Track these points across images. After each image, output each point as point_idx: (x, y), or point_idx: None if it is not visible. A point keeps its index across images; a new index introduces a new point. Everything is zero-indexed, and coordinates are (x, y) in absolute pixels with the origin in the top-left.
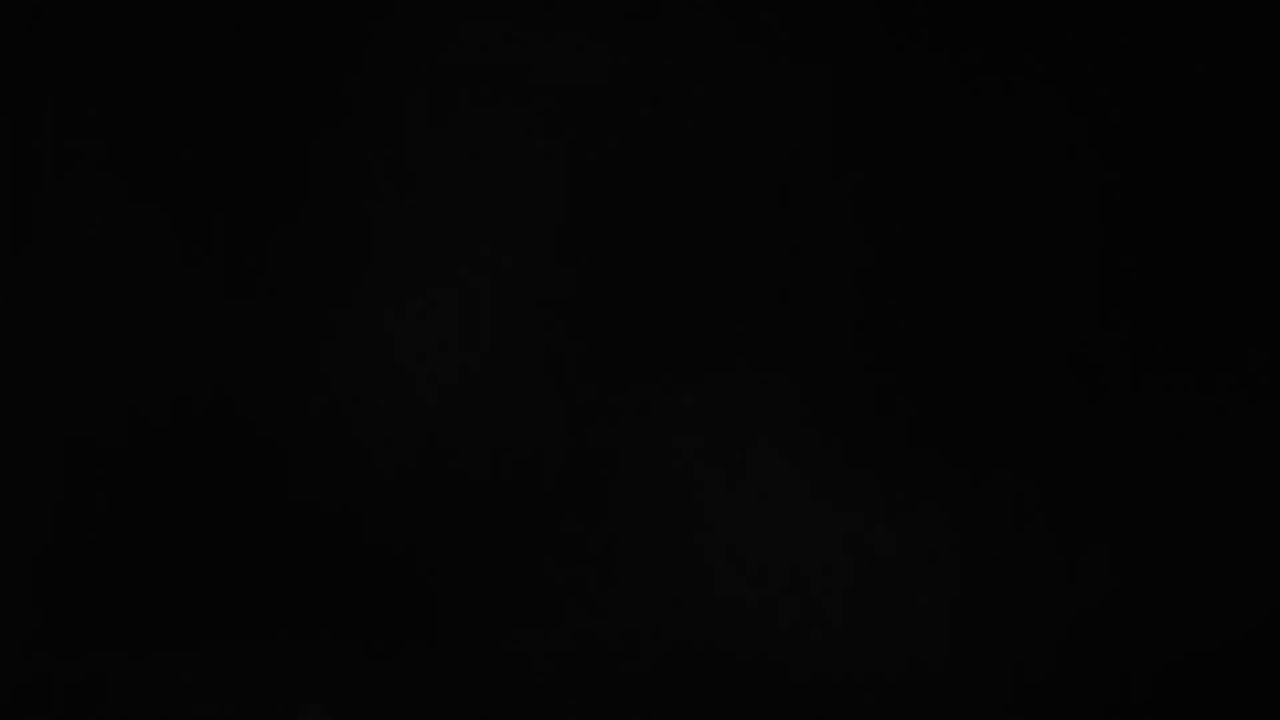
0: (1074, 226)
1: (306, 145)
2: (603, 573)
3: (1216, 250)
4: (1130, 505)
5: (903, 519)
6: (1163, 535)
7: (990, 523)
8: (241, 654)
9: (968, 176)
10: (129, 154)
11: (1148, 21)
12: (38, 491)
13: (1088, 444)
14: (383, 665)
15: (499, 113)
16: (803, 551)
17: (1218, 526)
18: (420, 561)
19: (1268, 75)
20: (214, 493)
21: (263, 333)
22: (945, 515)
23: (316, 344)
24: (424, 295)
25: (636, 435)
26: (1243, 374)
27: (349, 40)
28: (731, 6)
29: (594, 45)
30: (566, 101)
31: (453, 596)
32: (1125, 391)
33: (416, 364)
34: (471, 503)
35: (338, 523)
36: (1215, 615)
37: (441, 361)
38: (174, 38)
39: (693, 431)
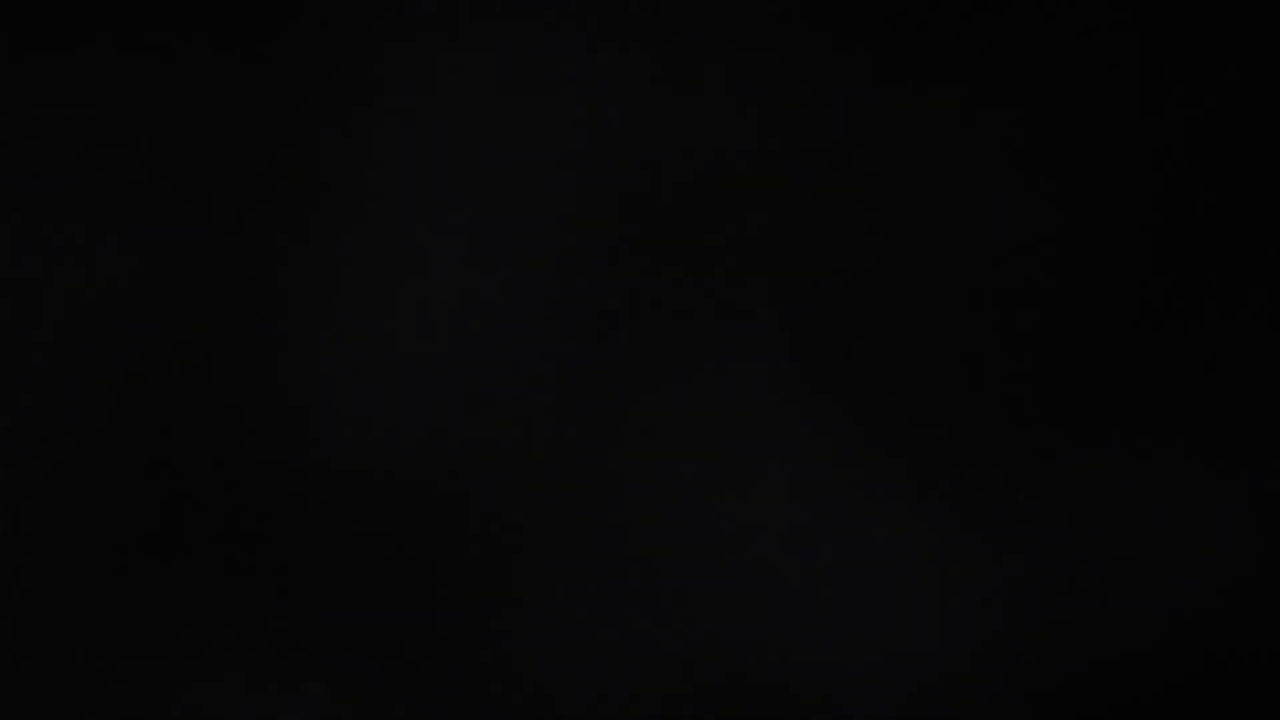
0: (1076, 228)
1: (304, 135)
2: (602, 573)
3: (1218, 245)
4: (1137, 504)
5: (906, 517)
6: (1172, 534)
7: (994, 523)
8: (237, 655)
9: (969, 171)
10: (124, 143)
11: (1144, 26)
12: (32, 490)
13: (1091, 451)
14: (381, 668)
15: (500, 108)
16: (805, 551)
17: (1224, 524)
18: (417, 563)
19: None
20: (211, 492)
21: (265, 333)
22: (949, 513)
23: (317, 345)
24: (421, 291)
25: (636, 432)
26: (1252, 368)
27: (348, 32)
28: (730, 11)
29: (600, 46)
30: (568, 99)
31: (451, 599)
32: (1130, 387)
33: (415, 361)
34: (471, 504)
35: (334, 523)
36: (1226, 612)
37: (439, 359)
38: (171, 31)
39: (693, 429)
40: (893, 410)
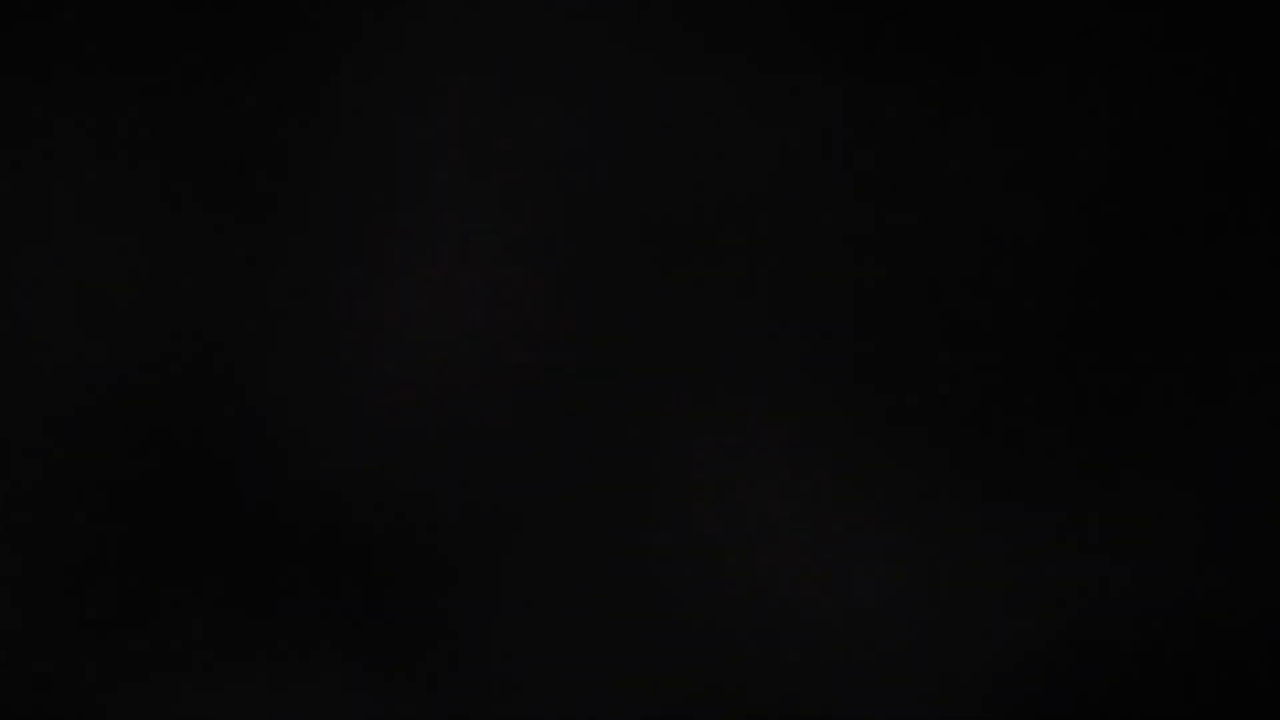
0: (1075, 243)
1: (303, 141)
2: (602, 576)
3: (1209, 254)
4: (1139, 507)
5: (907, 522)
6: (1171, 545)
7: (994, 545)
8: (238, 653)
9: (969, 172)
10: (132, 141)
11: (1142, 24)
12: (28, 494)
13: (1091, 463)
14: (377, 672)
15: (498, 115)
16: (805, 568)
17: (1219, 532)
18: (412, 567)
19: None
20: (212, 491)
21: (270, 333)
22: (950, 537)
23: (315, 348)
24: (421, 291)
25: (636, 435)
26: (1238, 377)
27: (353, 32)
28: (730, 18)
29: (599, 50)
30: (566, 105)
31: (445, 603)
32: (1121, 403)
33: (414, 363)
34: (468, 508)
35: (338, 523)
36: (1224, 623)
37: (438, 359)
38: (175, 31)
39: (694, 430)
40: (894, 414)
